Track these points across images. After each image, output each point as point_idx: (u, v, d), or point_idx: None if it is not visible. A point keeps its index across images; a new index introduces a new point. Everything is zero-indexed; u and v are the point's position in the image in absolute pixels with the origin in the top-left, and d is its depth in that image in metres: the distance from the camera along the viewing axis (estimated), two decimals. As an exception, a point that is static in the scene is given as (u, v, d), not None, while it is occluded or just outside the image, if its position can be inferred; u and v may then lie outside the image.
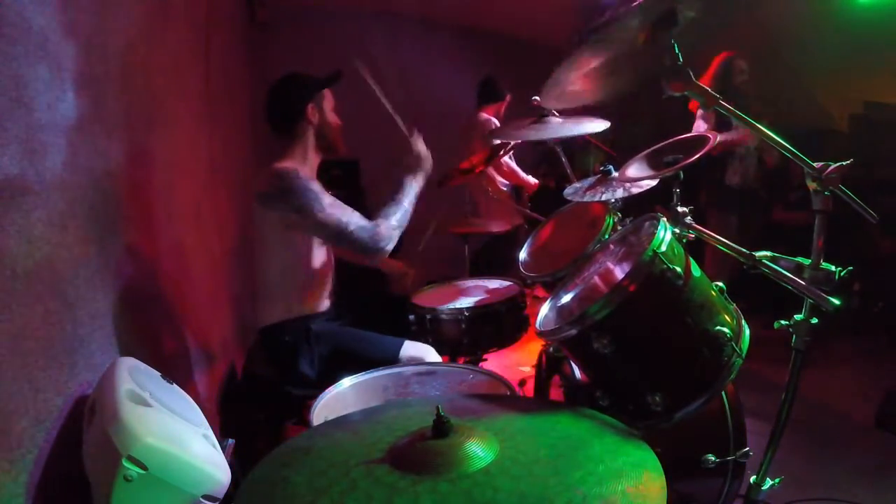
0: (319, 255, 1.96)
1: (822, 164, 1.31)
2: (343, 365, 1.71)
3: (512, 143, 3.63)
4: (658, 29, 1.26)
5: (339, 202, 1.85)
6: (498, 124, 4.13)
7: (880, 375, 3.01)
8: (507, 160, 4.10)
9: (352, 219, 1.82)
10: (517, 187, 4.31)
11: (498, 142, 3.65)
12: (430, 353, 1.96)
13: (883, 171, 3.89)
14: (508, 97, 4.18)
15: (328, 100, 2.01)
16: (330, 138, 2.01)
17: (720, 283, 1.40)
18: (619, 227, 1.86)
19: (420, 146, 2.02)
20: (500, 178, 4.18)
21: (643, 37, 1.31)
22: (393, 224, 1.86)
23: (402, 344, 1.93)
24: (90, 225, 1.29)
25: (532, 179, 4.26)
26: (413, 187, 1.96)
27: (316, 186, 1.82)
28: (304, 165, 1.94)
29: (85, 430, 1.02)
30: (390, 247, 1.84)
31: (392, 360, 1.85)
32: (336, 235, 1.81)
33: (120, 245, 1.49)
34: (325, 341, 1.91)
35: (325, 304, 2.02)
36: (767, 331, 1.51)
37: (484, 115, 4.14)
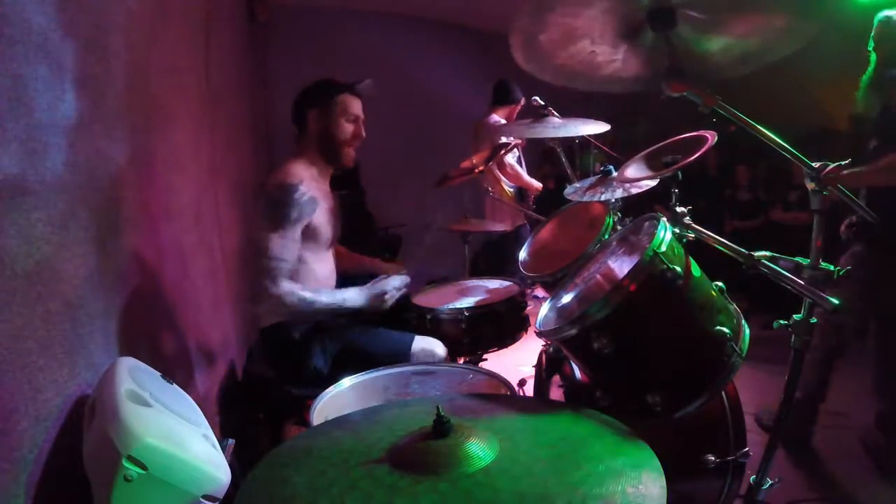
0: (323, 256, 1.97)
1: (820, 163, 1.31)
2: (353, 361, 1.71)
3: (512, 143, 3.64)
4: (657, 29, 1.26)
5: (294, 246, 1.81)
6: (505, 124, 4.14)
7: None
8: (512, 162, 4.11)
9: (278, 260, 1.78)
10: (521, 188, 4.32)
11: (502, 141, 3.66)
12: (439, 347, 1.97)
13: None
14: (523, 101, 4.17)
15: (343, 109, 1.92)
16: (330, 149, 1.94)
17: (720, 283, 1.40)
18: (619, 227, 1.86)
19: (394, 283, 1.96)
20: (504, 179, 4.19)
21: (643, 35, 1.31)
22: (293, 300, 1.79)
23: (412, 339, 1.94)
24: (90, 225, 1.29)
25: (536, 183, 4.27)
26: (351, 301, 1.89)
27: (294, 213, 1.79)
28: (311, 168, 1.94)
29: (85, 430, 1.02)
30: (259, 310, 1.80)
31: (404, 355, 1.85)
32: (256, 254, 1.79)
33: (120, 245, 1.49)
34: (336, 338, 1.92)
35: None
36: (767, 330, 1.51)
37: (494, 117, 4.15)
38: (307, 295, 1.82)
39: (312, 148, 1.96)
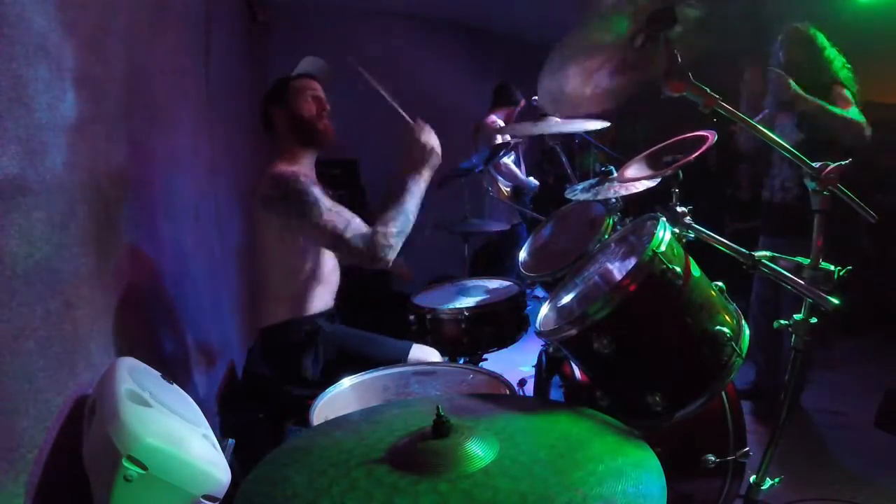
0: (323, 255, 1.96)
1: (820, 163, 1.31)
2: (348, 366, 1.70)
3: (511, 144, 3.65)
4: (656, 29, 1.26)
5: (338, 207, 1.78)
6: (502, 125, 4.16)
7: (880, 375, 3.01)
8: (507, 161, 4.12)
9: (349, 225, 1.74)
10: (517, 187, 4.34)
11: (498, 142, 3.67)
12: (435, 356, 1.97)
13: (883, 171, 3.89)
14: (522, 102, 4.20)
15: (299, 92, 1.93)
16: (306, 133, 1.93)
17: (720, 283, 1.40)
18: (619, 227, 1.86)
19: (427, 136, 1.83)
20: (500, 178, 4.21)
21: (641, 37, 1.31)
22: (392, 231, 1.74)
23: (409, 347, 1.93)
24: (90, 225, 1.29)
25: (533, 182, 4.29)
26: (418, 186, 1.81)
27: (316, 190, 1.77)
28: (299, 165, 1.92)
29: (85, 430, 1.02)
30: (391, 255, 1.73)
31: (399, 363, 1.85)
32: (332, 242, 1.76)
33: (120, 245, 1.49)
34: (332, 342, 1.91)
35: (329, 303, 2.02)
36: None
37: (492, 118, 4.17)
38: (392, 214, 1.76)
39: (290, 143, 1.95)
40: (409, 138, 1.84)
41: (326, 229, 1.74)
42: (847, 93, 2.54)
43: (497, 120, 4.17)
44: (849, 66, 2.60)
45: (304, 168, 1.94)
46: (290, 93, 1.95)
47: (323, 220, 1.73)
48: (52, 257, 1.09)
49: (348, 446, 0.92)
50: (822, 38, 2.60)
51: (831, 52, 2.60)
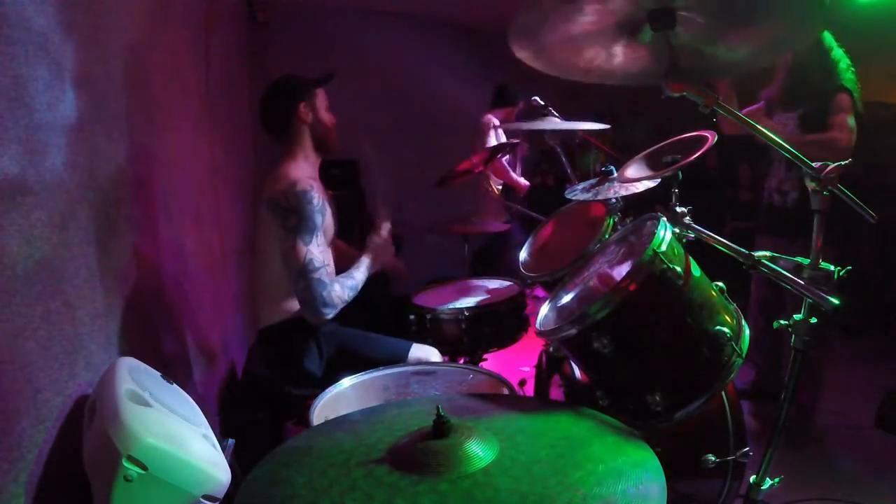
0: (327, 253, 1.97)
1: (820, 163, 1.31)
2: (348, 366, 1.71)
3: (509, 144, 3.65)
4: (657, 29, 1.26)
5: (324, 247, 1.85)
6: (497, 124, 4.16)
7: (880, 376, 3.01)
8: (502, 160, 4.13)
9: (323, 268, 1.80)
10: (507, 185, 4.34)
11: (493, 144, 3.67)
12: (434, 355, 1.97)
13: (883, 171, 3.89)
14: (521, 104, 4.20)
15: (321, 99, 2.01)
16: (324, 137, 2.00)
17: (720, 283, 1.40)
18: (619, 227, 1.86)
19: (385, 231, 2.06)
20: (492, 175, 4.21)
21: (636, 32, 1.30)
22: (346, 295, 1.84)
23: (409, 347, 1.94)
24: (90, 225, 1.29)
25: (523, 181, 4.29)
26: (368, 267, 1.96)
27: (319, 218, 1.82)
28: (310, 167, 1.96)
29: (85, 430, 1.02)
30: (330, 315, 1.80)
31: (399, 362, 1.85)
32: (299, 270, 1.78)
33: (120, 245, 1.49)
34: (331, 341, 1.92)
35: None
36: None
37: (489, 116, 4.17)
38: (349, 282, 1.87)
39: (305, 143, 1.98)
40: (376, 232, 2.05)
41: (303, 257, 1.78)
42: (850, 101, 2.51)
43: (494, 120, 4.17)
44: (853, 68, 2.59)
45: (312, 171, 1.98)
46: (318, 98, 2.00)
47: (307, 248, 1.78)
48: (52, 257, 1.09)
49: (348, 446, 0.92)
50: (829, 38, 2.58)
51: (837, 53, 2.58)
